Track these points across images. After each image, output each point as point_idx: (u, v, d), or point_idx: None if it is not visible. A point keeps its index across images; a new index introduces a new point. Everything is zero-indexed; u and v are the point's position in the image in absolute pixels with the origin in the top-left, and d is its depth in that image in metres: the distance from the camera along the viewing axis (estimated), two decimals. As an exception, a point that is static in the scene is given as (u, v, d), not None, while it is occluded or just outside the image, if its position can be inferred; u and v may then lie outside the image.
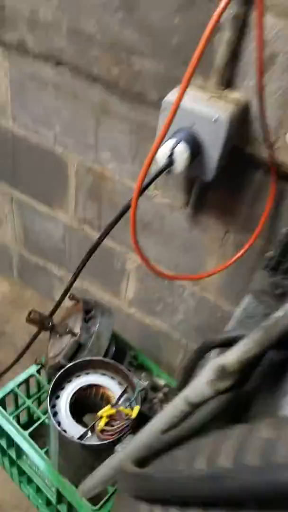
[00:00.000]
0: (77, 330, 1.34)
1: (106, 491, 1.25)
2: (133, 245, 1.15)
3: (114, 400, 1.24)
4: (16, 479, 1.57)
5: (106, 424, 1.16)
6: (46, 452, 1.34)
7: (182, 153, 1.11)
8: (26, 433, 1.36)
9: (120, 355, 1.46)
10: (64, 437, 1.14)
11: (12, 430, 1.37)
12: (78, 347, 1.33)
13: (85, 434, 1.15)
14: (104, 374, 1.29)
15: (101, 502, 1.23)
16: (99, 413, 1.16)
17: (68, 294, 1.42)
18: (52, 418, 1.17)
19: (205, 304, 1.63)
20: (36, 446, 1.34)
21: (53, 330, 1.41)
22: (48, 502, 1.44)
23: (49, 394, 1.21)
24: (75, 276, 1.33)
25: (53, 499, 1.36)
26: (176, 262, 1.58)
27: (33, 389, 1.60)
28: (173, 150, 1.11)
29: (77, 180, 1.65)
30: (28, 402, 1.47)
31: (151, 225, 1.55)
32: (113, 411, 1.16)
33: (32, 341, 1.57)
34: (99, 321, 1.37)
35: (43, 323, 1.37)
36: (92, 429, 1.17)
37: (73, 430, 1.18)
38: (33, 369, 1.52)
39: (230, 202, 1.33)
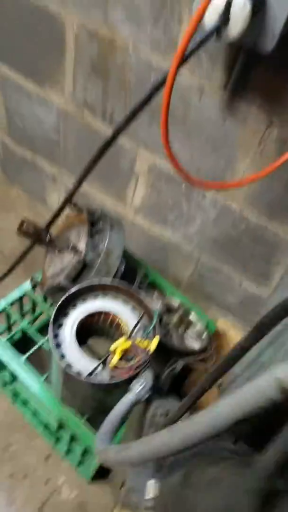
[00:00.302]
0: (81, 246, 1.09)
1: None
2: (163, 141, 0.86)
3: (127, 329, 1.05)
4: (10, 399, 1.43)
5: (120, 358, 0.97)
6: (46, 378, 1.17)
7: (242, 7, 0.77)
8: (22, 359, 1.17)
9: (130, 274, 1.25)
10: (70, 375, 0.95)
11: (6, 355, 1.18)
12: (83, 267, 1.10)
13: (94, 369, 0.96)
14: (116, 298, 1.08)
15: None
16: (112, 347, 0.96)
17: (69, 202, 1.14)
18: (55, 351, 0.98)
19: (228, 214, 1.38)
20: (34, 373, 1.16)
21: (51, 244, 1.16)
22: (47, 425, 1.32)
23: (51, 323, 1.00)
24: (80, 181, 1.04)
25: (53, 425, 1.23)
26: (199, 164, 1.29)
27: (26, 306, 1.40)
28: (229, 3, 0.77)
29: (77, 48, 1.28)
30: (22, 324, 1.27)
31: (173, 113, 1.23)
32: (128, 344, 0.97)
33: (23, 255, 1.32)
34: (108, 236, 1.12)
35: (39, 236, 1.12)
36: (103, 363, 0.98)
37: (80, 363, 0.99)
38: (27, 286, 1.29)
39: (281, 84, 1.02)
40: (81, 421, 1.11)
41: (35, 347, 1.20)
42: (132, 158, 1.44)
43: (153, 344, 0.98)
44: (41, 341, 1.22)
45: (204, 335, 1.23)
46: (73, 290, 1.02)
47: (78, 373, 0.97)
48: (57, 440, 1.30)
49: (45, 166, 1.75)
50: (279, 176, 1.16)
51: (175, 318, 1.24)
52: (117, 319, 1.07)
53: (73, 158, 1.60)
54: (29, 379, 1.15)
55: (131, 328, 1.03)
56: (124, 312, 1.06)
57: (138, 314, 1.07)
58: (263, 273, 1.46)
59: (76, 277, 1.11)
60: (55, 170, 1.72)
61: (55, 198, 1.85)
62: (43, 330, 1.29)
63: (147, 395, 0.94)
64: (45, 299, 1.30)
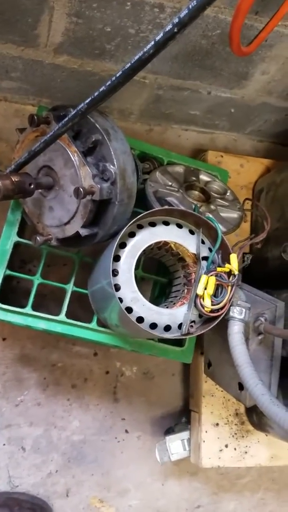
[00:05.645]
0: (88, 182, 0.76)
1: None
2: None
3: (187, 253, 0.86)
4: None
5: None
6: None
7: None
8: (62, 317, 0.97)
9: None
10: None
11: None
12: (100, 205, 0.81)
13: (191, 322, 0.83)
14: (179, 226, 0.86)
15: (186, 342, 1.04)
16: (199, 290, 0.80)
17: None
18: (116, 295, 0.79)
19: (196, 23, 1.01)
20: (80, 326, 0.99)
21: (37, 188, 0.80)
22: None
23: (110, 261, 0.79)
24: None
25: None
26: None
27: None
28: None
29: None
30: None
31: None
32: (213, 280, 0.81)
33: None
34: (112, 151, 0.78)
35: (24, 189, 0.75)
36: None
37: (141, 303, 0.83)
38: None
39: None
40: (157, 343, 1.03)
41: (32, 293, 0.97)
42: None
43: (233, 263, 0.83)
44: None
45: (228, 193, 1.06)
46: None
47: (166, 328, 0.83)
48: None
49: None
50: None
51: (196, 192, 1.03)
52: (172, 244, 0.86)
53: None
54: (75, 332, 0.99)
55: (191, 251, 0.85)
56: (177, 234, 0.85)
57: (187, 231, 0.86)
58: (240, 74, 1.21)
59: (94, 219, 0.82)
60: None
61: None
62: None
63: (250, 315, 0.85)
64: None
